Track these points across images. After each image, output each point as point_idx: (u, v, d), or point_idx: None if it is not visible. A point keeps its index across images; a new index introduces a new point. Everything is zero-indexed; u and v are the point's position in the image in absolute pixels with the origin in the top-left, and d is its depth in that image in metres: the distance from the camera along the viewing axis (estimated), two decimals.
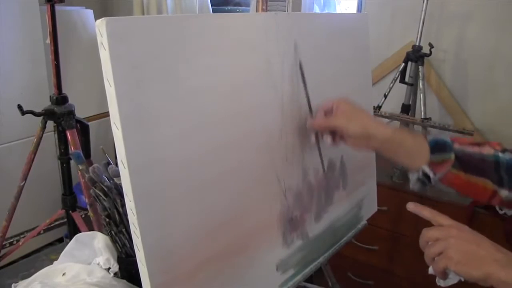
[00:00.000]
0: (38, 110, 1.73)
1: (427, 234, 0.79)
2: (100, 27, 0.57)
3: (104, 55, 0.58)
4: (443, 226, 0.79)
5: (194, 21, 0.71)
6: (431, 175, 0.90)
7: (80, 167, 1.06)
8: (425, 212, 0.82)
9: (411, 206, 0.83)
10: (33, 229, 1.97)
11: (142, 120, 0.63)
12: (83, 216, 1.85)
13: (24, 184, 1.81)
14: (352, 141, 0.92)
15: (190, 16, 0.71)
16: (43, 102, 2.07)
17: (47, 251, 1.49)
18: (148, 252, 0.65)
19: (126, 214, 0.93)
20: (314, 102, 1.00)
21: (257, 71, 0.84)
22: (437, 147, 0.90)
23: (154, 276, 0.66)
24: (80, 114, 1.82)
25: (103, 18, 0.57)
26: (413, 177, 0.93)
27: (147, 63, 0.63)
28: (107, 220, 0.96)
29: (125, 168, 0.61)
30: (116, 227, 0.96)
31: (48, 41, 1.69)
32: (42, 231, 1.93)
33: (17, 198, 1.81)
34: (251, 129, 0.83)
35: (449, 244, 0.75)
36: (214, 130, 0.75)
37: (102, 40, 0.57)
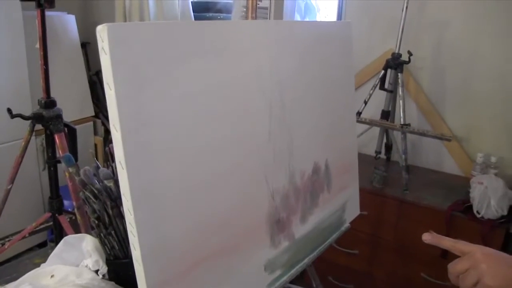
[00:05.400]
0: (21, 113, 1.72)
1: (455, 268, 0.77)
2: (102, 33, 0.59)
3: (105, 59, 0.60)
4: (466, 253, 0.77)
5: (191, 27, 0.73)
6: None
7: (70, 170, 1.07)
8: (444, 242, 0.81)
9: (429, 238, 0.82)
10: (16, 233, 1.96)
11: (140, 122, 0.64)
12: (69, 220, 1.85)
13: (11, 187, 1.80)
14: None
15: (188, 23, 0.73)
16: (26, 106, 2.06)
17: (30, 255, 1.49)
18: (144, 251, 0.67)
19: (115, 217, 0.95)
20: (302, 105, 1.03)
21: (248, 76, 0.87)
22: None
23: (150, 274, 0.68)
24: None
25: (104, 24, 0.59)
26: None
27: (146, 67, 0.65)
28: (97, 222, 0.97)
29: (123, 169, 0.63)
30: (105, 229, 0.97)
31: (37, 45, 1.68)
32: (27, 235, 1.92)
33: (4, 202, 1.81)
34: (242, 132, 0.86)
35: (482, 271, 0.73)
36: (207, 132, 0.77)
37: (103, 45, 0.59)
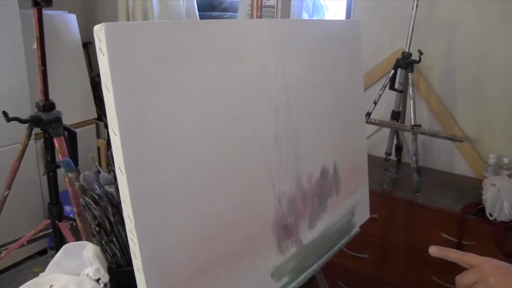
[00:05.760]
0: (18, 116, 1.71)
1: (463, 280, 0.76)
2: (99, 33, 0.58)
3: (103, 60, 0.59)
4: (474, 266, 0.77)
5: (193, 27, 0.72)
6: None
7: (70, 175, 1.06)
8: (451, 254, 0.80)
9: (435, 251, 0.82)
10: (14, 241, 1.94)
11: (140, 125, 0.63)
12: (69, 226, 1.84)
13: (8, 193, 1.79)
14: None
15: (189, 22, 0.72)
16: (24, 109, 2.04)
17: (30, 264, 1.48)
18: (146, 260, 0.66)
19: (117, 223, 0.94)
20: (309, 108, 1.02)
21: (252, 77, 0.86)
22: None
23: (151, 284, 0.67)
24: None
25: (102, 24, 0.58)
26: None
27: (146, 68, 0.64)
28: (98, 229, 0.96)
29: (123, 174, 0.62)
30: (107, 237, 0.96)
31: (34, 46, 1.68)
32: (25, 243, 1.90)
33: (1, 208, 1.80)
34: (246, 135, 0.85)
35: (490, 284, 0.73)
36: (210, 136, 0.76)
37: (101, 45, 0.58)
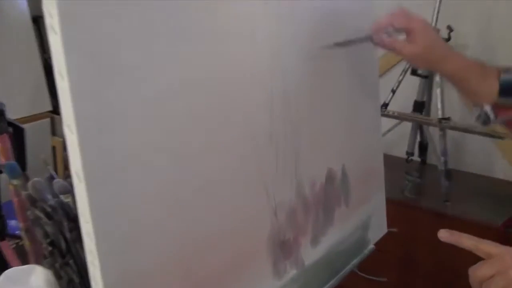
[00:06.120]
0: None
1: (478, 272, 0.78)
2: (49, 6, 0.58)
3: (55, 40, 0.58)
4: (492, 256, 0.78)
5: (170, 4, 0.72)
6: (491, 117, 0.99)
7: (15, 182, 1.05)
8: (465, 241, 0.82)
9: (446, 235, 0.84)
10: None
11: (103, 121, 0.63)
12: (14, 246, 1.83)
13: None
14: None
15: None
16: None
17: None
18: (109, 287, 0.65)
19: (75, 241, 0.94)
20: (311, 98, 1.02)
21: (243, 65, 0.86)
22: (508, 90, 0.98)
23: None
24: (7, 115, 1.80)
25: None
26: (475, 112, 1.04)
27: (111, 52, 0.64)
28: (50, 249, 0.96)
29: (80, 181, 0.62)
30: (62, 258, 0.96)
31: None
32: None
33: None
34: (235, 133, 0.85)
35: (511, 278, 0.74)
36: (191, 135, 0.76)
37: (52, 22, 0.58)
